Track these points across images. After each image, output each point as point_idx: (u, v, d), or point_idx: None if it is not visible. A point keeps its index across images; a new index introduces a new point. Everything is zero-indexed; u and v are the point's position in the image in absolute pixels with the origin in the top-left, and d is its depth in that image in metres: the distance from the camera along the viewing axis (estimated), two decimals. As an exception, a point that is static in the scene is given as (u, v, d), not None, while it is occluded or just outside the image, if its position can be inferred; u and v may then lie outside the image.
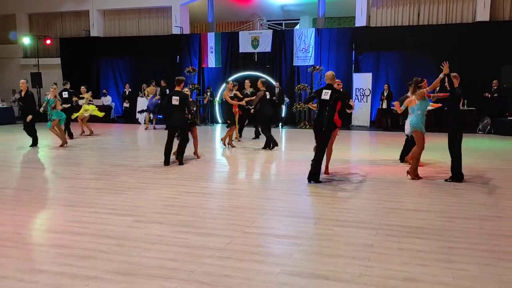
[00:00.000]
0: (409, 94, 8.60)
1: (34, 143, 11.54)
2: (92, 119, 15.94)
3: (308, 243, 4.58)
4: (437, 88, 8.29)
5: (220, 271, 3.86)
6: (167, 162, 8.80)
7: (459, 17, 16.71)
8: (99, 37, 20.82)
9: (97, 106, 19.42)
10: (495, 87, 14.80)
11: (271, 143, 10.83)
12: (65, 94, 13.04)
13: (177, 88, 8.77)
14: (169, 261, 4.07)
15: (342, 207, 5.92)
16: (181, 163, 8.81)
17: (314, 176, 7.30)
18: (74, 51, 20.69)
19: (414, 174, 7.52)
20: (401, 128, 9.28)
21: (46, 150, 11.15)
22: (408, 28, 16.95)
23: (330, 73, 7.47)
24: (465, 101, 15.38)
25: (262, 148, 10.92)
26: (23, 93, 11.49)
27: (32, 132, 11.45)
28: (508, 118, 14.29)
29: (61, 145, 11.52)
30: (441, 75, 7.46)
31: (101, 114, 14.60)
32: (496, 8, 16.20)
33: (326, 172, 7.91)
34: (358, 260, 4.10)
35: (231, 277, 3.74)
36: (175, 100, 8.58)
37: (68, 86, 13.50)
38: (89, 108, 14.15)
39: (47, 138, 12.83)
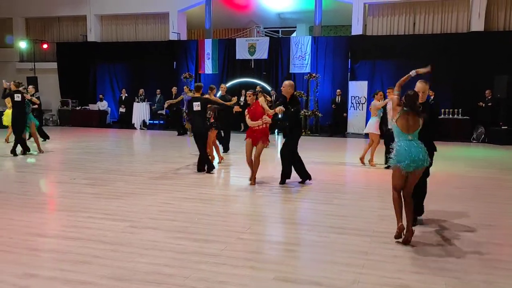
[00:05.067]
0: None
1: None
2: (87, 124, 15.81)
3: (302, 250, 4.59)
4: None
5: (215, 277, 3.85)
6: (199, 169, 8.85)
7: (454, 27, 16.87)
8: (96, 42, 20.83)
9: (92, 111, 19.57)
10: (489, 97, 14.93)
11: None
12: (18, 97, 11.03)
13: (196, 94, 8.92)
14: (164, 266, 4.06)
15: (337, 214, 5.94)
16: (210, 170, 8.74)
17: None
18: (71, 56, 20.67)
19: None
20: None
21: (40, 155, 11.07)
22: (403, 37, 17.09)
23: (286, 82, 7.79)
24: (460, 110, 15.54)
25: (223, 152, 11.18)
26: None
27: None
28: (502, 127, 14.40)
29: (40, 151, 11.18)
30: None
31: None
32: (491, 19, 16.38)
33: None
34: (352, 267, 4.11)
35: (226, 283, 3.74)
36: (196, 106, 8.66)
37: (21, 88, 11.47)
38: None
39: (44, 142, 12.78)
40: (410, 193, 4.84)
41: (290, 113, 7.49)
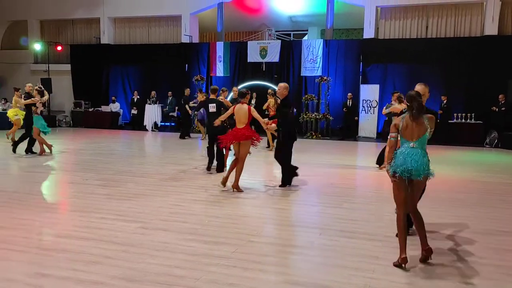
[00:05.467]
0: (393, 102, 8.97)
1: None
2: (99, 125, 15.94)
3: (313, 253, 4.58)
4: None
5: (225, 279, 3.87)
6: (209, 168, 9.05)
7: (467, 31, 16.72)
8: (109, 44, 21.03)
9: (105, 112, 19.75)
10: (502, 101, 14.78)
11: None
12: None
13: (212, 96, 9.11)
14: (175, 268, 4.09)
15: (347, 218, 5.92)
16: (219, 170, 8.92)
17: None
18: (84, 58, 20.90)
19: None
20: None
21: (55, 155, 11.20)
22: (416, 40, 16.98)
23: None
24: (473, 114, 15.40)
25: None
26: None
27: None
28: (516, 132, 14.24)
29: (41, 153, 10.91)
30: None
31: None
32: (505, 23, 16.20)
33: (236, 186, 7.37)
34: (362, 271, 4.09)
35: (235, 286, 3.75)
36: (212, 108, 8.83)
37: (27, 89, 11.27)
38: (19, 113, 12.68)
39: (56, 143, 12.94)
40: (415, 206, 4.32)
41: (282, 114, 7.44)
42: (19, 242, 4.76)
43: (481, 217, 6.09)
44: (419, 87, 4.75)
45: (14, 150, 11.06)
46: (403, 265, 4.15)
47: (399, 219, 4.30)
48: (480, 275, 4.06)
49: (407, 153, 4.18)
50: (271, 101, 12.65)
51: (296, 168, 7.80)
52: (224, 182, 7.35)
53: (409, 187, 4.24)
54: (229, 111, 7.53)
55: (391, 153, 4.30)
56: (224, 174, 7.60)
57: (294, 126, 7.93)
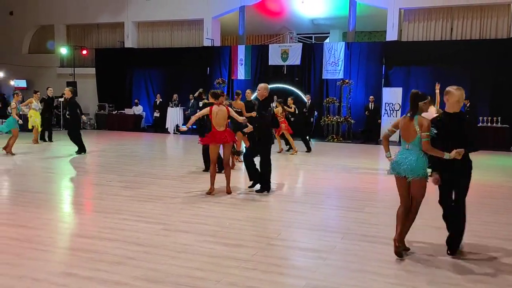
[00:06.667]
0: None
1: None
2: (122, 127, 16.13)
3: (334, 257, 4.56)
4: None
5: (245, 282, 3.88)
6: (207, 169, 9.06)
7: (493, 33, 16.36)
8: (133, 48, 21.36)
9: (128, 115, 20.05)
10: (529, 105, 14.43)
11: None
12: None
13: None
14: (195, 270, 4.12)
15: (369, 222, 5.86)
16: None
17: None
18: (108, 62, 21.28)
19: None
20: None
21: (79, 156, 11.42)
22: (440, 43, 16.71)
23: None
24: (499, 118, 15.06)
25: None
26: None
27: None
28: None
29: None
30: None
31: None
32: (532, 24, 15.83)
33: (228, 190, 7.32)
34: (384, 277, 4.05)
35: (255, 289, 3.76)
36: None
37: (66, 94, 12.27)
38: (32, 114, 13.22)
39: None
40: (416, 207, 4.61)
41: (260, 116, 7.25)
42: (44, 241, 4.87)
43: (507, 223, 5.95)
44: (458, 92, 4.44)
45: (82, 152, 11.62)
46: (403, 252, 4.48)
47: (397, 213, 4.69)
48: (504, 282, 3.97)
49: (402, 156, 4.53)
50: (278, 109, 12.48)
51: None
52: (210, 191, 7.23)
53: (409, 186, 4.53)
54: (203, 112, 7.18)
55: (385, 140, 4.94)
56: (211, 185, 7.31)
57: (271, 129, 7.64)
